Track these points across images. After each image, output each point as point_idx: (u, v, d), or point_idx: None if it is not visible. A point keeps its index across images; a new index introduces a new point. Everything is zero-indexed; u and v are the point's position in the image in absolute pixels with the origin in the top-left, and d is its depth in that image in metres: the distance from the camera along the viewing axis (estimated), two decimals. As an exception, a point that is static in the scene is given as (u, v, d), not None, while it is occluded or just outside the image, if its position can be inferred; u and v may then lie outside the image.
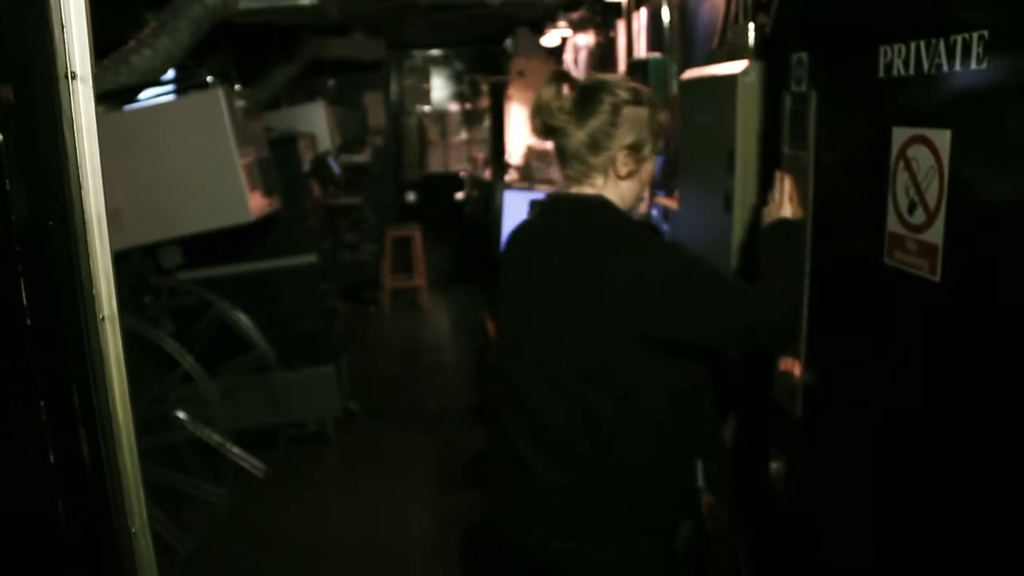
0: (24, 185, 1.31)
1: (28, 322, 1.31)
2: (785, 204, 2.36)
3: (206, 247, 5.03)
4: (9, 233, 1.29)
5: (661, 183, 4.90)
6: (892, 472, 1.92)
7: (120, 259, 4.50)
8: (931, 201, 1.70)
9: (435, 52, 12.83)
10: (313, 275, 6.05)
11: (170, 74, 4.97)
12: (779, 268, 2.28)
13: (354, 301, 8.84)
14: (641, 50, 5.77)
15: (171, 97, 4.93)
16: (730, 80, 2.93)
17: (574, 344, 2.16)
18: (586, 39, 7.64)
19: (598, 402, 2.17)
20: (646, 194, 2.30)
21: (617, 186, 2.25)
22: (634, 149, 2.22)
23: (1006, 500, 1.51)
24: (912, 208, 1.76)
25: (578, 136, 2.20)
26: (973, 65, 1.56)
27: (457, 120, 12.82)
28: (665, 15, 5.01)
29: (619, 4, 6.11)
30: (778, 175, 2.40)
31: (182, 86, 5.08)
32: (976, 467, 1.60)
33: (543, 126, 2.27)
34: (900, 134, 1.80)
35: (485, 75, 10.86)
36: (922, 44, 1.71)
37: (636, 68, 5.04)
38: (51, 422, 1.35)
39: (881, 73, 1.87)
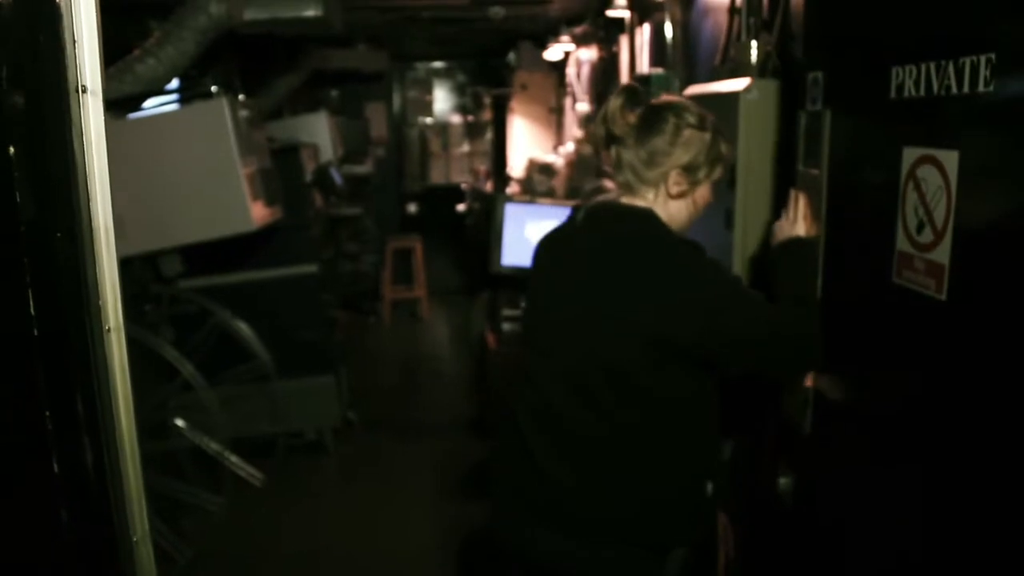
0: (33, 196, 1.31)
1: (35, 332, 1.31)
2: (799, 222, 2.37)
3: (207, 256, 5.03)
4: (18, 244, 1.29)
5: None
6: (901, 489, 1.92)
7: (121, 267, 4.49)
8: (939, 221, 1.70)
9: (438, 64, 12.85)
10: (313, 285, 6.05)
11: (174, 83, 4.98)
12: (802, 291, 2.30)
13: (354, 311, 8.85)
14: (644, 65, 5.79)
15: (175, 106, 4.94)
16: (732, 97, 2.94)
17: (605, 349, 2.18)
18: (589, 54, 7.66)
19: (623, 408, 2.20)
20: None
21: (667, 204, 2.29)
22: (688, 170, 2.25)
23: (1018, 516, 1.51)
24: (920, 227, 1.76)
25: (637, 149, 2.24)
26: (981, 87, 1.57)
27: (459, 132, 12.84)
28: (668, 31, 5.02)
29: (622, 19, 6.13)
30: (793, 193, 2.41)
31: (186, 95, 5.08)
32: (986, 484, 1.60)
33: (606, 134, 2.30)
34: (910, 154, 1.81)
35: (488, 88, 10.88)
36: (932, 66, 1.72)
37: (638, 83, 5.05)
38: (56, 431, 1.35)
39: (893, 94, 1.87)
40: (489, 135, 11.27)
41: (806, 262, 2.32)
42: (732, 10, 3.66)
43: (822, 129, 2.24)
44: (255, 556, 4.80)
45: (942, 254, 1.68)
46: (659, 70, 4.99)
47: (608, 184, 2.26)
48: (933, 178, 1.71)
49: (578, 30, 7.58)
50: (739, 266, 2.97)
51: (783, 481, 2.53)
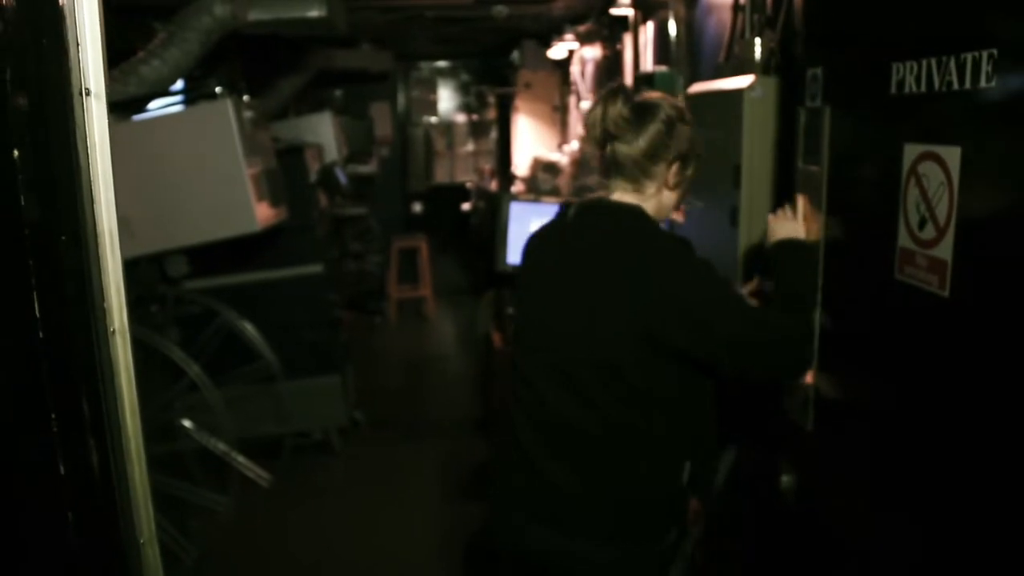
0: (37, 199, 1.32)
1: (41, 334, 1.32)
2: (800, 223, 2.39)
3: (213, 256, 5.04)
4: (23, 246, 1.30)
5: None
6: (903, 486, 1.92)
7: (127, 268, 4.51)
8: (941, 217, 1.70)
9: (442, 64, 12.85)
10: (319, 285, 6.06)
11: (179, 84, 4.99)
12: (801, 291, 2.33)
13: (360, 311, 8.85)
14: (648, 63, 5.79)
15: (180, 107, 4.95)
16: (736, 95, 2.94)
17: (599, 346, 2.22)
18: (593, 52, 7.66)
19: (617, 404, 2.24)
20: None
21: (660, 196, 2.36)
22: (683, 161, 2.34)
23: (1021, 513, 1.51)
24: (922, 224, 1.76)
25: (638, 144, 2.29)
26: (983, 83, 1.57)
27: (464, 131, 12.85)
28: (672, 29, 5.02)
29: (626, 17, 6.13)
30: (799, 197, 2.42)
31: (191, 96, 5.09)
32: (989, 481, 1.60)
33: (603, 134, 2.34)
34: (911, 150, 1.81)
35: (492, 87, 10.88)
36: (933, 62, 1.72)
37: (643, 81, 5.05)
38: (61, 433, 1.36)
39: (893, 90, 1.87)
40: (494, 134, 11.29)
41: (805, 263, 2.35)
42: (736, 7, 3.66)
43: (822, 125, 2.24)
44: (262, 556, 4.81)
45: (944, 250, 1.69)
46: (663, 68, 5.00)
47: (592, 181, 2.31)
48: (935, 174, 1.71)
49: (582, 28, 7.58)
50: (744, 263, 2.97)
51: (785, 479, 2.53)
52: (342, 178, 6.86)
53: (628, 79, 6.33)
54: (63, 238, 1.37)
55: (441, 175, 12.72)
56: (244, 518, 4.91)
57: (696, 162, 2.38)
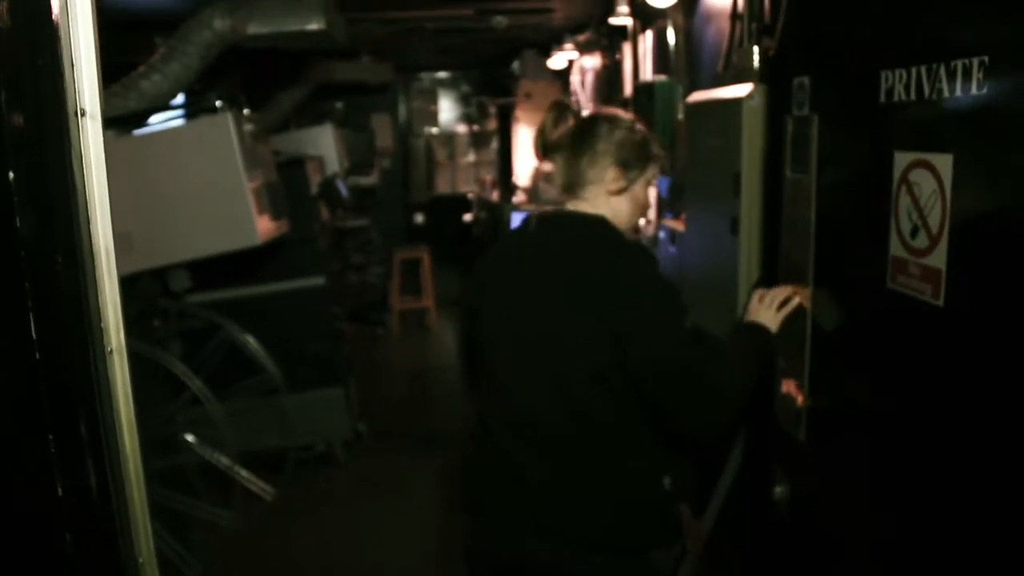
0: (33, 220, 1.32)
1: (37, 356, 1.32)
2: (775, 316, 2.46)
3: (214, 270, 5.05)
4: (19, 269, 1.31)
5: (668, 205, 4.92)
6: (896, 497, 1.92)
7: (129, 282, 4.52)
8: (933, 225, 1.70)
9: (442, 74, 12.89)
10: (321, 297, 6.07)
11: (179, 99, 5.00)
12: (744, 370, 2.35)
13: (362, 323, 8.87)
14: (647, 73, 5.81)
15: (180, 122, 4.96)
16: (735, 104, 2.95)
17: (572, 347, 2.25)
18: (592, 61, 7.68)
19: (594, 403, 2.27)
20: (643, 218, 2.38)
21: (608, 202, 2.40)
22: (623, 166, 2.38)
23: (1014, 524, 1.51)
24: (915, 232, 1.76)
25: (576, 150, 2.40)
26: (974, 90, 1.57)
27: (465, 142, 12.87)
28: (671, 38, 5.04)
29: (625, 27, 6.14)
30: (787, 290, 2.47)
31: (191, 111, 5.11)
32: (982, 492, 1.60)
33: (544, 145, 2.47)
34: (902, 158, 1.81)
35: (492, 97, 10.91)
36: (923, 69, 1.72)
37: (642, 91, 5.07)
38: (59, 454, 1.36)
39: (883, 98, 1.87)
40: (495, 144, 11.30)
41: (760, 351, 2.44)
42: (734, 16, 3.67)
43: (810, 134, 2.24)
44: (266, 570, 4.81)
45: (938, 259, 1.68)
46: (663, 77, 5.01)
47: (551, 194, 2.42)
48: (926, 182, 1.71)
49: (581, 38, 7.60)
50: (745, 272, 2.98)
51: (779, 490, 2.53)
52: (343, 190, 6.88)
53: (628, 88, 6.35)
54: (59, 258, 1.37)
55: (442, 186, 12.74)
56: (248, 532, 4.91)
57: (643, 170, 2.42)
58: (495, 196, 9.71)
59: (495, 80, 11.53)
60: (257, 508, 5.02)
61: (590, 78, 7.94)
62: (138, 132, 4.68)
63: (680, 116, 4.73)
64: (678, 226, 4.16)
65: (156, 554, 1.59)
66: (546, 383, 2.30)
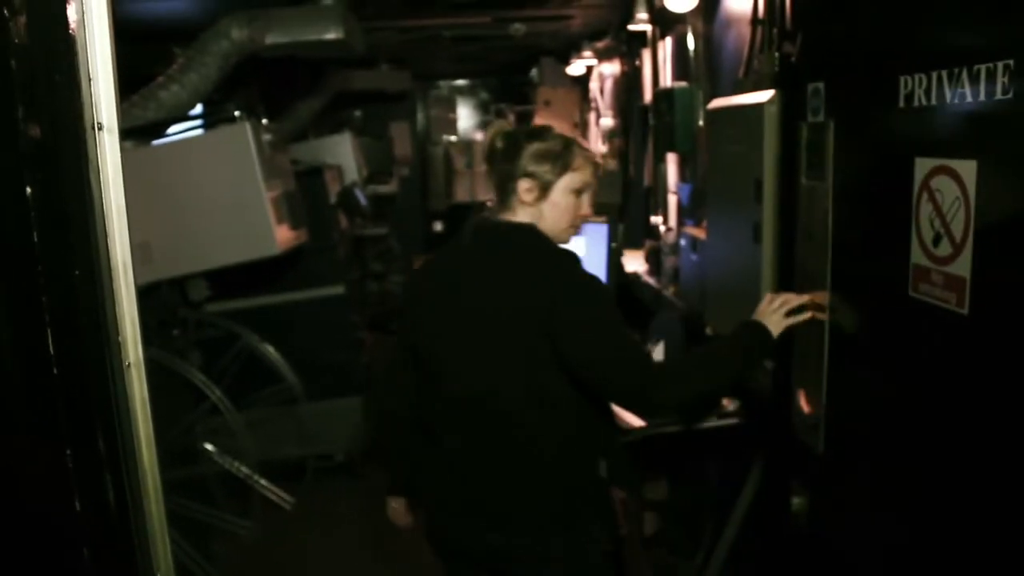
0: (51, 235, 1.32)
1: (55, 370, 1.32)
2: (780, 321, 2.53)
3: (233, 279, 5.06)
4: (36, 283, 1.31)
5: (689, 212, 4.90)
6: (916, 509, 1.89)
7: (148, 292, 4.54)
8: (957, 233, 1.68)
9: (461, 82, 12.89)
10: (340, 306, 6.07)
11: (198, 109, 5.02)
12: (714, 359, 2.56)
13: (381, 331, 8.86)
14: (667, 79, 5.79)
15: (199, 132, 4.98)
16: (757, 109, 2.93)
17: (512, 353, 2.45)
18: (611, 68, 7.66)
19: (533, 402, 2.46)
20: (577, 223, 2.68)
21: (528, 211, 2.57)
22: (535, 177, 2.54)
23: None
24: (937, 240, 1.75)
25: (497, 168, 2.60)
26: (999, 95, 1.55)
27: (483, 150, 12.85)
28: (691, 44, 5.02)
29: (644, 33, 6.13)
30: (802, 298, 2.52)
31: (210, 121, 5.13)
32: (1006, 504, 1.58)
33: (488, 156, 2.67)
34: (923, 165, 1.79)
35: (511, 105, 10.90)
36: (944, 74, 1.71)
37: (662, 97, 5.04)
38: (77, 469, 1.36)
39: (902, 103, 1.86)
40: (513, 151, 11.26)
41: (745, 349, 2.52)
42: (755, 21, 3.65)
43: (825, 141, 2.22)
44: (286, 579, 4.81)
45: (962, 267, 1.67)
46: (683, 83, 4.99)
47: (490, 202, 2.66)
48: (949, 189, 1.69)
49: (600, 45, 7.59)
50: (768, 279, 2.95)
51: (797, 501, 2.51)
52: (362, 199, 6.88)
53: (647, 95, 6.33)
54: (77, 273, 1.37)
55: (461, 194, 12.72)
56: (267, 541, 4.90)
57: (558, 179, 2.55)
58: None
59: (513, 87, 11.52)
60: (276, 517, 5.02)
61: (609, 85, 7.92)
62: (157, 142, 4.70)
63: (700, 122, 4.71)
64: (699, 233, 4.14)
65: (176, 564, 1.59)
66: (485, 386, 2.49)
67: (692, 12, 4.89)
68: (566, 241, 2.61)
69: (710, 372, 2.51)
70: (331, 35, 4.85)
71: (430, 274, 2.73)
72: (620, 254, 5.43)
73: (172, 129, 4.87)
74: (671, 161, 5.66)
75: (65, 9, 1.38)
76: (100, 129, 1.40)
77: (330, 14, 4.83)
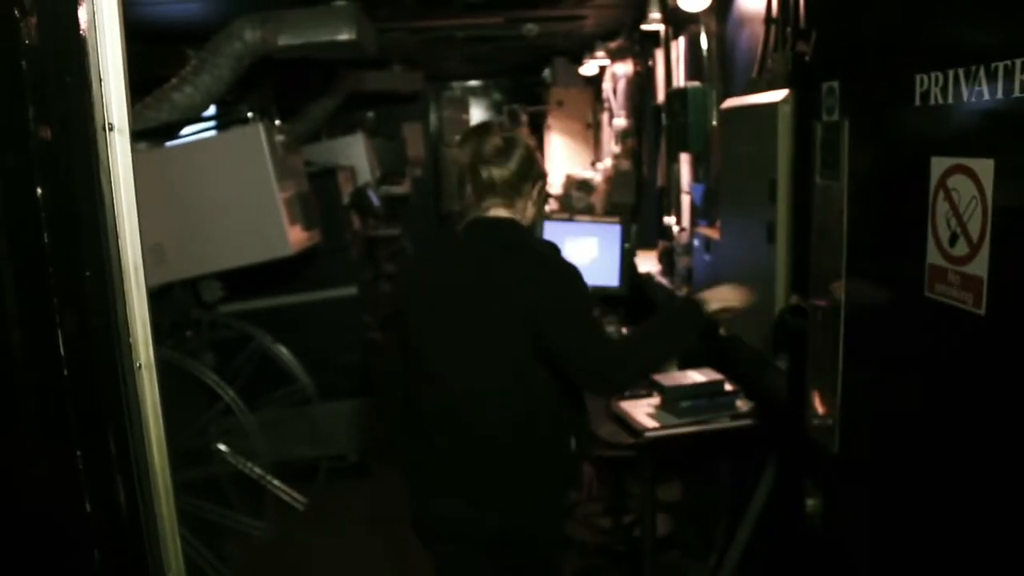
0: (62, 236, 1.32)
1: (65, 371, 1.32)
2: (723, 296, 2.86)
3: (246, 280, 5.06)
4: (47, 284, 1.30)
5: (702, 212, 4.88)
6: (932, 512, 1.88)
7: (162, 293, 4.55)
8: (974, 232, 1.67)
9: (473, 83, 12.87)
10: (353, 307, 6.07)
11: (211, 110, 5.03)
12: (654, 333, 2.86)
13: (394, 332, 8.85)
14: (680, 79, 5.76)
15: (212, 133, 4.98)
16: (771, 109, 2.91)
17: (503, 338, 2.68)
18: (624, 68, 7.64)
19: (520, 385, 2.70)
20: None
21: (526, 208, 2.83)
22: (542, 181, 2.87)
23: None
24: (954, 240, 1.73)
25: (510, 168, 2.75)
26: (1017, 92, 1.53)
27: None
28: (704, 43, 5.00)
29: (657, 33, 6.11)
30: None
31: (223, 122, 5.14)
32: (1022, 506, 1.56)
33: (476, 161, 2.78)
34: (939, 164, 1.78)
35: (524, 105, 10.88)
36: (960, 72, 1.69)
37: (675, 97, 5.02)
38: (88, 471, 1.36)
39: (918, 102, 1.84)
40: (526, 152, 11.24)
41: (685, 328, 2.82)
42: (768, 20, 3.63)
43: (840, 140, 2.21)
44: (299, 580, 4.81)
45: (979, 267, 1.65)
46: (696, 83, 4.97)
47: (469, 202, 2.84)
48: (966, 188, 1.68)
49: (613, 45, 7.56)
50: (782, 279, 2.93)
51: (811, 503, 2.49)
52: (375, 199, 6.89)
53: (660, 95, 6.31)
54: (87, 274, 1.37)
55: (473, 194, 12.69)
56: (280, 541, 4.91)
57: (544, 183, 2.90)
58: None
59: (526, 88, 11.50)
60: (289, 518, 5.02)
61: (622, 85, 7.89)
62: (170, 144, 4.71)
63: (714, 122, 4.69)
64: (713, 234, 4.12)
65: (189, 564, 1.59)
66: (476, 373, 2.72)
67: (705, 11, 4.86)
68: (534, 226, 2.91)
69: (655, 348, 2.82)
70: (344, 36, 4.84)
71: (421, 267, 2.98)
72: (633, 254, 5.43)
73: (185, 131, 4.88)
74: (684, 161, 5.64)
75: (76, 10, 1.38)
76: (111, 130, 1.40)
77: (343, 15, 4.83)
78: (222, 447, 4.78)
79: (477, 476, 2.79)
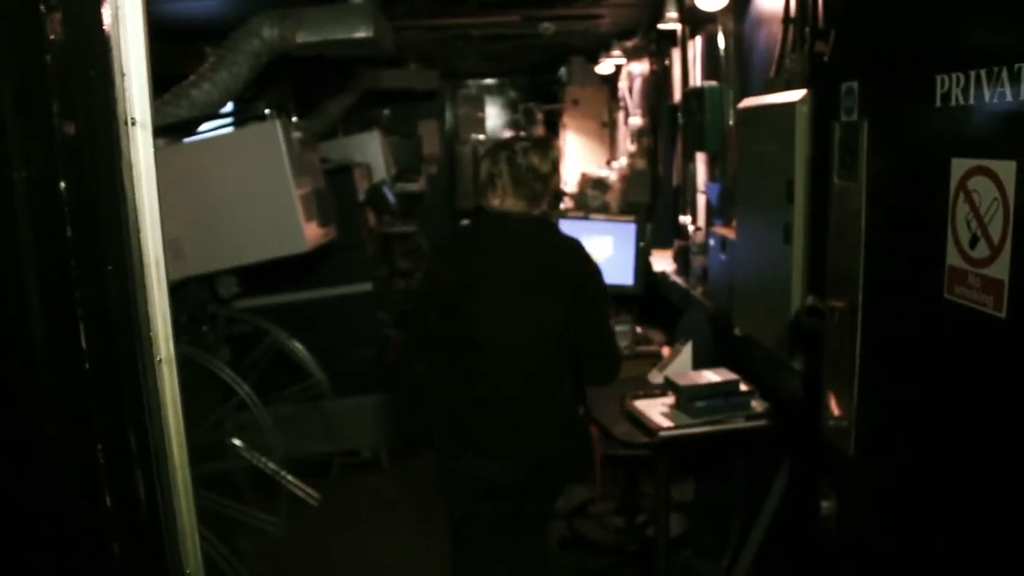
0: (84, 231, 1.33)
1: (87, 366, 1.32)
2: None
3: (262, 276, 5.08)
4: (69, 278, 1.31)
5: (718, 212, 4.88)
6: (948, 514, 1.87)
7: (178, 288, 4.56)
8: (995, 234, 1.66)
9: (489, 81, 12.86)
10: (368, 303, 6.08)
11: (228, 107, 5.04)
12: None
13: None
14: (696, 78, 5.76)
15: (229, 130, 4.99)
16: (788, 109, 2.91)
17: (546, 319, 3.12)
18: (641, 67, 7.63)
19: (555, 360, 3.18)
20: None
21: (539, 207, 3.28)
22: (556, 185, 3.34)
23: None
24: (974, 242, 1.72)
25: (545, 167, 3.24)
26: (1040, 94, 1.53)
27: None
28: (721, 43, 4.99)
29: (674, 32, 6.10)
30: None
31: (240, 119, 5.15)
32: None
33: (510, 162, 3.23)
34: (959, 165, 1.77)
35: (540, 103, 10.87)
36: (983, 73, 1.68)
37: (692, 96, 5.02)
38: (108, 465, 1.37)
39: (938, 103, 1.83)
40: (542, 150, 11.22)
41: None
42: (786, 20, 3.62)
43: (859, 140, 2.20)
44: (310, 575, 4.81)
45: (1000, 269, 1.64)
46: (713, 83, 4.96)
47: (495, 201, 3.25)
48: (987, 190, 1.67)
49: (629, 44, 7.55)
50: (798, 280, 2.92)
51: (826, 505, 2.48)
52: (390, 196, 6.89)
53: (676, 94, 6.30)
54: (109, 268, 1.37)
55: (489, 192, 12.67)
56: (294, 537, 4.92)
57: (555, 188, 3.40)
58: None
59: (542, 86, 11.48)
60: (302, 513, 5.03)
61: (638, 84, 7.88)
62: (188, 140, 4.72)
63: (730, 122, 4.68)
64: (729, 233, 4.12)
65: (203, 559, 1.60)
66: (524, 343, 3.12)
67: (722, 11, 4.85)
68: None
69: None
70: (361, 34, 4.85)
71: (469, 250, 3.29)
72: (648, 253, 5.42)
73: (204, 127, 4.89)
74: (700, 160, 5.63)
75: (100, 6, 1.38)
76: (133, 124, 1.41)
77: (360, 13, 4.83)
78: (237, 442, 4.79)
79: (516, 436, 3.16)
